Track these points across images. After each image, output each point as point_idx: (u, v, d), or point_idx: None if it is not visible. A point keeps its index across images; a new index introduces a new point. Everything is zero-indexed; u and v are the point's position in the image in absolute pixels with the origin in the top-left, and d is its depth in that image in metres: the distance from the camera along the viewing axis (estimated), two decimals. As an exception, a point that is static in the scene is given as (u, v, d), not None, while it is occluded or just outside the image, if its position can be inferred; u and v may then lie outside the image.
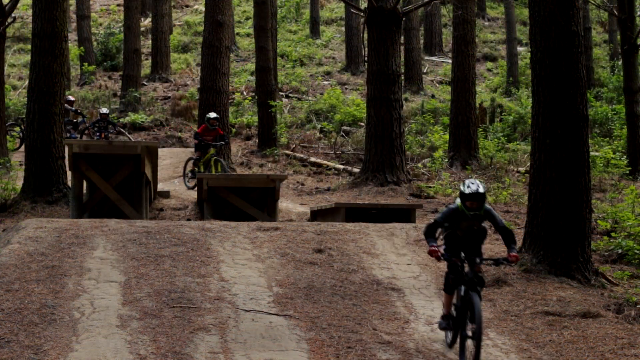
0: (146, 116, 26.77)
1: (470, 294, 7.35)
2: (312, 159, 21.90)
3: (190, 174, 18.03)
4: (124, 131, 24.47)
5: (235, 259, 10.25)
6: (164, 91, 30.00)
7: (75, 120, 23.71)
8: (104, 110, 23.12)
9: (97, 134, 22.06)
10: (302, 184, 19.21)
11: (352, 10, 28.56)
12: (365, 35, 18.72)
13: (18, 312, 8.05)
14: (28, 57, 20.51)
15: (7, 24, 19.12)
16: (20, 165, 17.80)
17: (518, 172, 19.73)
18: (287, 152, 22.59)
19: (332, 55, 35.10)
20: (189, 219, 14.94)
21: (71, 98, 24.72)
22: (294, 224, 12.56)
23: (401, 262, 10.63)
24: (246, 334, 7.89)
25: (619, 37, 24.13)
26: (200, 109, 20.14)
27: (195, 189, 16.74)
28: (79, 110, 24.43)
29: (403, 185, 17.16)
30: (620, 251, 11.87)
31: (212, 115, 18.06)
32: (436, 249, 7.49)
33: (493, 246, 12.00)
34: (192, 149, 23.17)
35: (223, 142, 18.16)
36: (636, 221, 12.81)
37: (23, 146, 19.62)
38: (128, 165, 14.00)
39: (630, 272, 10.96)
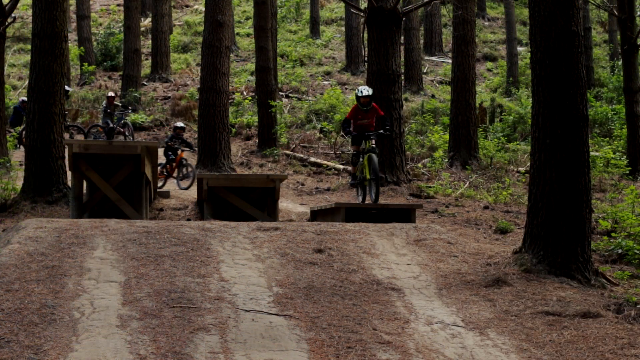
0: (146, 116, 26.77)
1: None
2: (312, 159, 21.91)
3: (349, 179, 14.23)
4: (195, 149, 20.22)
5: (235, 259, 10.25)
6: (164, 91, 30.02)
7: (112, 126, 22.56)
8: (180, 124, 19.46)
9: (172, 156, 18.45)
10: (302, 184, 19.22)
11: (352, 10, 28.57)
12: (365, 35, 18.73)
13: (18, 312, 8.05)
14: (28, 57, 20.52)
15: (7, 24, 19.12)
16: (20, 165, 17.80)
17: (518, 172, 19.73)
18: (287, 152, 22.60)
19: (332, 55, 35.12)
20: (189, 219, 14.95)
21: (111, 94, 23.76)
22: (294, 224, 12.56)
23: (401, 262, 10.63)
24: (246, 334, 7.89)
25: (619, 37, 24.13)
26: (200, 109, 20.14)
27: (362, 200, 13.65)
28: (116, 109, 22.95)
29: (403, 185, 17.16)
30: (620, 251, 11.89)
31: (365, 91, 13.37)
32: None
33: (492, 245, 12.02)
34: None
35: (387, 128, 13.46)
36: (636, 221, 12.82)
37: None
38: (128, 165, 14.01)
39: (630, 272, 10.97)
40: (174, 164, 18.31)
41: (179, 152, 18.37)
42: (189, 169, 18.06)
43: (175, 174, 18.30)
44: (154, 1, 31.11)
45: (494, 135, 23.56)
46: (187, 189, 17.67)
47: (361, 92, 13.35)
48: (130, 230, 11.07)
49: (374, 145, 12.99)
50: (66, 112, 23.99)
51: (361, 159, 13.32)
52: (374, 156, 12.81)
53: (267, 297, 8.99)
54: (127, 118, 23.23)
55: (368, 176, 12.95)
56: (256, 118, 24.36)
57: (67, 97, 23.84)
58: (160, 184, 17.99)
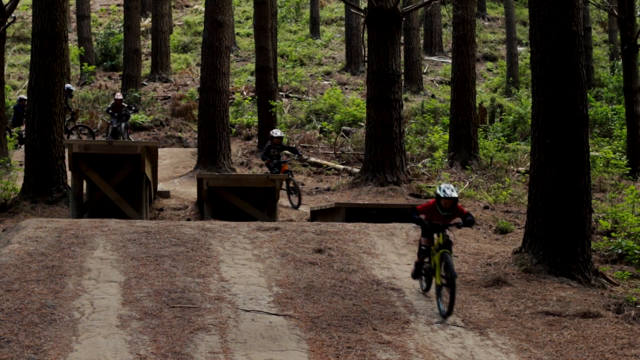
0: (146, 116, 26.77)
1: None
2: (312, 159, 21.90)
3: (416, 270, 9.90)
4: (299, 156, 17.86)
5: (235, 259, 10.25)
6: (164, 91, 30.00)
7: (115, 127, 22.16)
8: (277, 132, 17.05)
9: (275, 169, 16.67)
10: (302, 184, 19.22)
11: (352, 10, 28.55)
12: (365, 35, 18.72)
13: (18, 312, 8.05)
14: (28, 57, 20.49)
15: (7, 24, 19.10)
16: (20, 165, 17.80)
17: (518, 172, 19.72)
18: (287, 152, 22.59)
19: (332, 55, 35.11)
20: (189, 219, 14.94)
21: (119, 96, 23.19)
22: (294, 224, 12.56)
23: (401, 262, 10.63)
24: (246, 334, 7.89)
25: (619, 37, 24.12)
26: (200, 109, 20.12)
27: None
28: (125, 109, 22.52)
29: (403, 185, 17.16)
30: (620, 251, 11.89)
31: (449, 191, 9.35)
32: None
33: (493, 246, 12.02)
34: (193, 149, 23.22)
35: (469, 219, 9.50)
36: (636, 221, 12.82)
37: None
38: (128, 165, 14.01)
39: (630, 272, 10.97)
40: None
41: (282, 164, 16.62)
42: (295, 184, 16.39)
43: (284, 187, 16.36)
44: (154, 1, 31.09)
45: (494, 135, 23.54)
46: (297, 207, 16.07)
47: (444, 192, 9.36)
48: (130, 230, 11.07)
49: (448, 237, 9.40)
50: (73, 112, 23.91)
51: (431, 257, 9.57)
52: (449, 256, 9.17)
53: (267, 297, 8.99)
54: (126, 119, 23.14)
55: (439, 281, 9.23)
56: (256, 118, 24.35)
57: (71, 97, 23.81)
58: None
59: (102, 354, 7.21)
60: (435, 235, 9.46)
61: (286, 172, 16.45)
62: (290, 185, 16.54)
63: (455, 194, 9.34)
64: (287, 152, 17.26)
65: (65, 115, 22.64)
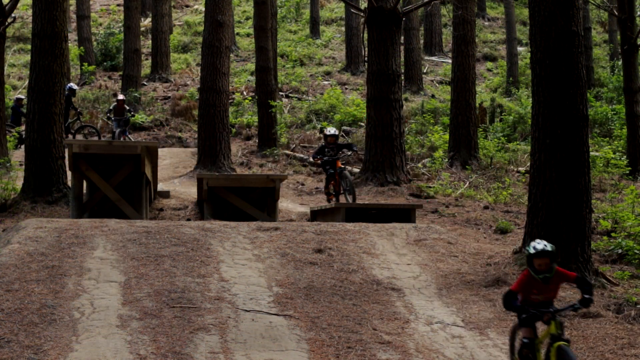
0: (146, 116, 26.78)
1: None
2: (311, 159, 21.88)
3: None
4: (354, 151, 15.98)
5: (235, 259, 10.25)
6: (164, 91, 30.01)
7: (114, 130, 21.96)
8: (331, 130, 15.07)
9: (330, 169, 14.90)
10: (302, 184, 19.21)
11: (352, 10, 28.57)
12: (365, 35, 18.73)
13: (18, 312, 8.05)
14: (28, 57, 20.49)
15: (7, 24, 19.10)
16: (20, 165, 17.80)
17: (518, 172, 19.73)
18: (287, 152, 22.59)
19: (332, 55, 35.11)
20: (189, 219, 14.94)
21: (122, 97, 22.84)
22: (294, 224, 12.56)
23: (401, 262, 10.63)
24: (246, 334, 7.90)
25: (619, 37, 24.12)
26: (200, 109, 20.12)
27: None
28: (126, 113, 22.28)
29: (403, 185, 17.16)
30: (620, 251, 11.88)
31: (540, 245, 7.12)
32: None
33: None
34: (193, 149, 23.22)
35: (586, 297, 7.16)
36: (636, 221, 12.82)
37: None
38: (128, 165, 14.01)
39: (630, 272, 10.97)
40: (337, 177, 14.77)
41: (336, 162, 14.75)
42: (350, 184, 14.50)
43: (341, 190, 14.75)
44: (154, 1, 31.10)
45: (494, 135, 23.54)
46: None
47: (534, 248, 7.13)
48: (130, 230, 11.07)
49: (561, 322, 7.09)
50: (80, 112, 23.86)
51: (536, 352, 7.21)
52: (569, 349, 6.87)
53: (267, 297, 8.99)
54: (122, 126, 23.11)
55: None
56: (256, 118, 24.35)
57: (74, 96, 23.81)
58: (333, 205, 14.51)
59: (102, 354, 7.21)
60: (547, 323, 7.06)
61: (341, 169, 14.70)
62: (347, 187, 14.55)
63: (549, 248, 7.07)
64: (344, 150, 15.41)
65: (70, 114, 22.72)
